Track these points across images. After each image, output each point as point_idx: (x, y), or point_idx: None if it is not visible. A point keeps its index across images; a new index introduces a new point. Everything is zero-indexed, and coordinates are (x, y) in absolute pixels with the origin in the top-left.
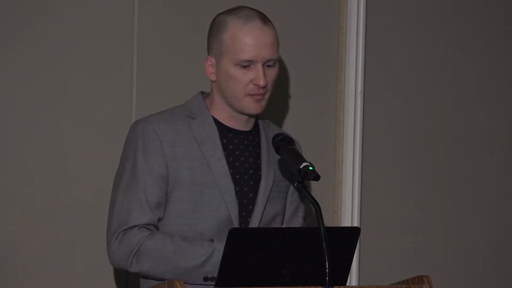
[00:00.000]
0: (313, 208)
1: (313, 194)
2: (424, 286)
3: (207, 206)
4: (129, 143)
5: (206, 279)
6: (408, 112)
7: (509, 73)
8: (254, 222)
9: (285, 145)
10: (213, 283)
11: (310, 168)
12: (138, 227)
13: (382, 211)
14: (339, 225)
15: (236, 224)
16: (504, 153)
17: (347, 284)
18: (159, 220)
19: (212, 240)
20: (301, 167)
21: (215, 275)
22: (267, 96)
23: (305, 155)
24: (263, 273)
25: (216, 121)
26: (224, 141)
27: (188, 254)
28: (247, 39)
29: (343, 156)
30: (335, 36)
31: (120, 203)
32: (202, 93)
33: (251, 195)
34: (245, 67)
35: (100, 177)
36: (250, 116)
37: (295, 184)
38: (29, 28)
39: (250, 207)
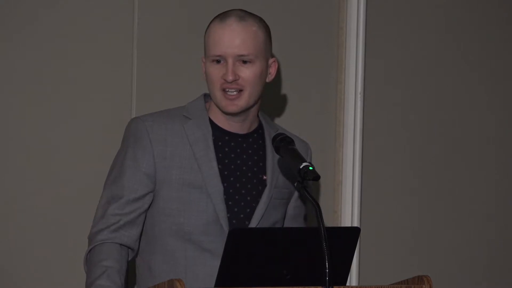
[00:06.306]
0: (313, 208)
1: (313, 194)
2: (424, 286)
3: (195, 206)
4: (123, 140)
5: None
6: (408, 112)
7: (510, 73)
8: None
9: (285, 145)
10: None
11: (310, 168)
12: (107, 228)
13: (382, 211)
14: (339, 225)
15: (224, 226)
16: (504, 153)
17: (347, 284)
18: (141, 212)
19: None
20: (301, 167)
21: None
22: (245, 95)
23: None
24: (263, 273)
25: (214, 124)
26: (220, 143)
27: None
28: (218, 35)
29: (343, 156)
30: (335, 36)
31: (105, 197)
32: (206, 95)
33: (248, 198)
34: (218, 62)
35: (100, 177)
36: (241, 114)
37: (295, 184)
38: (29, 27)
39: (248, 210)
